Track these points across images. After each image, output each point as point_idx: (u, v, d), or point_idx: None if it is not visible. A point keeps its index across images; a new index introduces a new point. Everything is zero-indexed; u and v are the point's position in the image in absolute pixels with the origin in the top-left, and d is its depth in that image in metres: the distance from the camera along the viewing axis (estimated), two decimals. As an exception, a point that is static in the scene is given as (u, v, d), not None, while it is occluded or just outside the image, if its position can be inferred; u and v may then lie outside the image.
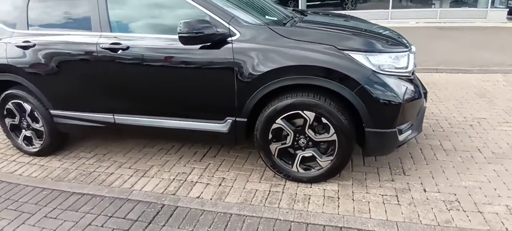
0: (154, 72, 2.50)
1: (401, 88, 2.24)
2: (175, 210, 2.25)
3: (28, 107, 3.00)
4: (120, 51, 2.50)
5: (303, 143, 2.41)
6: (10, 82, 3.02)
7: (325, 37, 2.31)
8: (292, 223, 2.07)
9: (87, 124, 2.85)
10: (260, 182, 2.56)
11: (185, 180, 2.63)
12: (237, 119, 2.45)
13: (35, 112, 2.99)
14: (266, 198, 2.36)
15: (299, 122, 2.37)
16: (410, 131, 2.43)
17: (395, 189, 2.40)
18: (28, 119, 3.07)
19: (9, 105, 3.07)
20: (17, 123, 3.15)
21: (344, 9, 12.44)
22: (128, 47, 2.48)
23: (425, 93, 2.67)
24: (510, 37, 8.01)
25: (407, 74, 2.36)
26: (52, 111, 2.93)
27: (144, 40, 2.50)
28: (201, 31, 2.20)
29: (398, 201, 2.27)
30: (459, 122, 3.43)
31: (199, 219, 2.15)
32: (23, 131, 3.17)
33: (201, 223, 2.12)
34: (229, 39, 2.32)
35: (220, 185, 2.55)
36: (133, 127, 2.73)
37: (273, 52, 2.25)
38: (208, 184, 2.57)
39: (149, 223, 2.14)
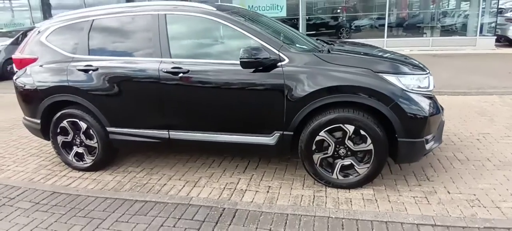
0: (210, 93, 2.86)
1: (426, 104, 2.65)
2: (235, 212, 2.53)
3: (83, 125, 3.28)
4: (180, 75, 2.86)
5: (342, 152, 2.76)
6: (67, 102, 3.32)
7: (361, 62, 2.74)
8: (343, 220, 2.38)
9: (142, 139, 3.15)
10: (303, 188, 2.88)
11: (235, 189, 2.92)
12: (285, 133, 2.80)
13: (91, 130, 3.27)
14: (313, 201, 2.67)
15: (338, 134, 2.74)
16: (433, 142, 2.82)
17: (423, 192, 2.75)
18: (82, 136, 3.34)
19: (64, 123, 3.34)
20: (69, 140, 3.41)
21: (339, 38, 13.21)
22: (188, 71, 2.85)
23: (442, 109, 3.09)
24: (499, 63, 8.75)
25: (429, 93, 2.78)
26: (109, 129, 3.21)
27: (202, 65, 2.87)
28: (258, 57, 2.60)
29: (428, 201, 2.62)
30: (466, 136, 3.86)
31: (260, 219, 2.44)
32: (75, 147, 3.43)
33: (262, 222, 2.41)
34: (279, 64, 2.71)
35: (267, 192, 2.85)
36: (186, 142, 3.04)
37: (318, 75, 2.64)
38: (257, 191, 2.87)
39: (217, 223, 2.42)
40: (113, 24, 3.19)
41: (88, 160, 3.41)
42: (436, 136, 2.88)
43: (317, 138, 2.74)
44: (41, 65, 3.32)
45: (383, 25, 11.87)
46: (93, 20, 3.21)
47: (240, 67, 2.74)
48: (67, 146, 3.47)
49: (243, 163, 3.40)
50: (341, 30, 13.63)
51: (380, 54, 3.23)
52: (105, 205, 2.76)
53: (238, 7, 3.06)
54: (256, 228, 2.34)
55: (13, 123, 5.39)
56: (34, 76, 3.32)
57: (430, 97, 2.78)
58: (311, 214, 2.46)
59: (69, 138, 3.40)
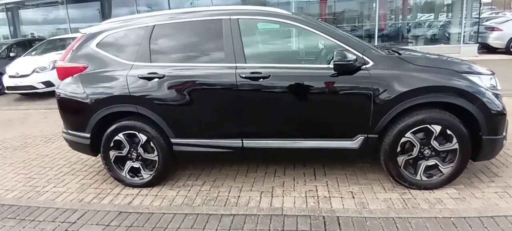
0: (291, 98, 2.78)
1: (502, 102, 2.76)
2: (338, 219, 2.45)
3: (143, 137, 3.04)
4: (261, 80, 2.75)
5: (427, 153, 2.78)
6: (122, 114, 3.08)
7: (442, 63, 2.81)
8: (451, 219, 2.39)
9: (211, 150, 2.97)
10: (386, 192, 2.86)
11: (318, 196, 2.83)
12: (369, 136, 2.78)
13: (151, 142, 3.04)
14: (406, 204, 2.65)
15: (423, 135, 2.75)
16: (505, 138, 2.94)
17: (500, 187, 2.84)
18: (140, 150, 3.09)
19: (119, 136, 3.07)
20: (124, 154, 3.14)
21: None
22: (269, 76, 2.75)
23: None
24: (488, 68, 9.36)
25: (499, 92, 2.91)
26: (173, 140, 3.00)
27: (283, 70, 2.79)
28: (350, 60, 2.57)
29: (510, 194, 2.71)
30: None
31: (368, 224, 2.38)
32: (129, 162, 3.16)
33: (371, 227, 2.34)
34: (364, 66, 2.71)
35: (353, 197, 2.80)
36: (262, 150, 2.92)
37: (407, 77, 2.66)
38: (342, 197, 2.80)
39: (326, 231, 2.32)
40: (177, 30, 3.02)
41: (146, 175, 3.15)
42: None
43: (402, 139, 2.74)
44: (94, 74, 3.07)
45: (372, 35, 12.37)
46: (154, 26, 3.02)
47: (323, 71, 2.72)
48: (120, 161, 3.20)
49: (308, 170, 3.32)
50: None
51: (443, 57, 3.33)
52: (190, 222, 2.55)
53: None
54: (369, 234, 2.28)
55: (23, 140, 4.92)
56: (85, 86, 3.05)
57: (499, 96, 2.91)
58: (417, 215, 2.44)
59: (124, 152, 3.13)
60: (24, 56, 9.12)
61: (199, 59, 2.97)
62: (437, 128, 2.69)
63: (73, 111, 3.18)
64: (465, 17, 11.53)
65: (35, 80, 8.08)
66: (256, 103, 2.83)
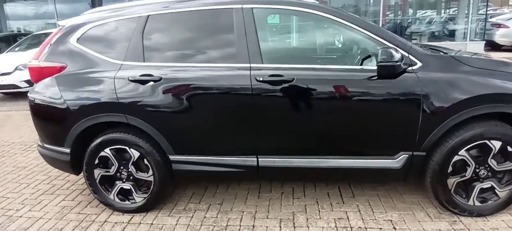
0: (321, 107, 2.25)
1: None
2: (383, 263, 1.95)
3: (135, 153, 2.49)
4: (283, 84, 2.22)
5: (483, 174, 2.29)
6: (109, 125, 2.53)
7: (499, 65, 2.29)
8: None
9: (219, 169, 2.43)
10: (433, 220, 2.35)
11: (351, 227, 2.31)
12: (414, 153, 2.27)
13: (145, 159, 2.50)
14: (462, 238, 2.16)
15: (477, 152, 2.25)
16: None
17: None
18: (132, 168, 2.55)
19: (106, 152, 2.52)
20: (112, 173, 2.59)
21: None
22: (293, 79, 2.22)
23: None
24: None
25: None
26: (173, 157, 2.46)
27: (311, 71, 2.26)
28: (397, 60, 2.05)
29: None
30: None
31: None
32: (118, 183, 2.62)
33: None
34: (410, 68, 2.19)
35: (394, 228, 2.29)
36: (281, 170, 2.38)
37: (462, 81, 2.15)
38: (380, 228, 2.29)
39: None
40: (177, 21, 2.46)
41: (139, 199, 2.61)
42: None
43: (455, 158, 2.24)
44: (73, 76, 2.51)
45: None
46: (148, 16, 2.45)
47: (360, 74, 2.20)
48: (107, 182, 2.65)
49: (332, 190, 2.79)
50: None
51: (491, 58, 2.84)
52: (194, 265, 2.03)
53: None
54: None
55: (0, 148, 4.32)
56: (63, 90, 2.48)
57: None
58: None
59: (112, 170, 2.57)
60: (7, 52, 8.44)
61: (204, 58, 2.42)
62: (497, 144, 2.18)
63: (49, 121, 2.61)
64: (472, 14, 11.11)
65: (18, 79, 7.39)
66: (276, 113, 2.29)
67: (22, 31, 14.39)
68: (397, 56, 2.05)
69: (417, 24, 12.96)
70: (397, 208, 2.53)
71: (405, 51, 2.19)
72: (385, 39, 2.20)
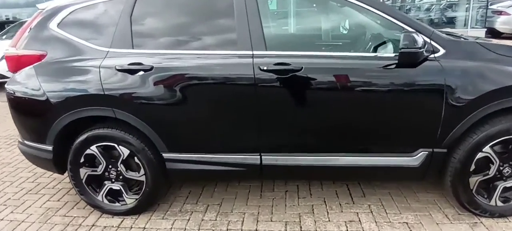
0: (331, 99, 2.01)
1: None
2: (403, 275, 1.75)
3: (124, 151, 2.25)
4: (290, 74, 1.98)
5: (507, 171, 2.09)
6: (96, 119, 2.28)
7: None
8: None
9: (218, 168, 2.20)
10: (452, 222, 2.15)
11: (363, 230, 2.13)
12: (435, 150, 2.05)
13: (136, 157, 2.26)
14: (487, 243, 1.97)
15: (498, 148, 2.05)
16: None
17: None
18: (121, 167, 2.31)
19: (92, 150, 2.28)
20: (100, 173, 2.36)
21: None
22: (301, 68, 1.98)
23: None
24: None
25: None
26: (166, 155, 2.23)
27: (321, 59, 2.01)
28: (420, 46, 1.82)
29: None
30: None
31: None
32: (107, 183, 2.38)
33: None
34: (432, 56, 1.96)
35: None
36: (287, 169, 2.16)
37: (490, 70, 1.92)
38: (395, 232, 2.11)
39: None
40: (169, 2, 2.19)
41: (130, 200, 2.38)
42: None
43: (479, 155, 2.03)
44: (54, 65, 2.24)
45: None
46: (137, -3, 2.20)
47: (377, 62, 1.96)
48: (95, 182, 2.41)
49: (340, 188, 2.58)
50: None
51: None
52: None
53: None
54: None
55: (-21, 144, 4.05)
56: (43, 82, 2.21)
57: None
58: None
59: (99, 170, 2.34)
60: (-7, 40, 8.08)
61: (200, 45, 2.16)
62: (524, 140, 1.99)
63: (28, 116, 2.35)
64: (473, 0, 10.85)
65: (5, 68, 7.01)
66: (282, 106, 2.04)
67: (11, 19, 13.86)
68: (420, 41, 1.81)
69: (415, 11, 12.68)
70: (412, 208, 2.33)
71: (427, 36, 1.96)
72: (405, 24, 1.95)
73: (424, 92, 1.96)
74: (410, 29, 1.94)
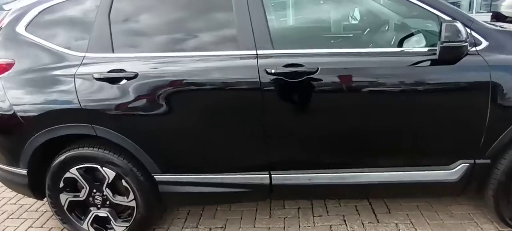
0: (354, 105, 1.68)
1: None
2: None
3: (109, 173, 1.92)
4: (303, 77, 1.65)
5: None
6: (74, 137, 1.95)
7: None
8: None
9: (220, 190, 1.87)
10: (494, 243, 1.86)
11: (392, 256, 1.82)
12: (477, 162, 1.73)
13: (124, 180, 1.94)
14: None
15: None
16: None
17: None
18: (107, 191, 1.99)
19: (72, 173, 1.95)
20: (83, 198, 2.03)
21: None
22: (316, 70, 1.65)
23: None
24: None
25: None
26: (158, 177, 1.90)
27: (340, 57, 1.68)
28: (463, 39, 1.48)
29: None
30: None
31: None
32: (93, 209, 2.06)
33: None
34: (473, 49, 1.63)
35: (449, 257, 1.79)
36: (301, 188, 1.83)
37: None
38: (431, 258, 1.80)
39: None
40: (155, -4, 1.86)
41: (119, 228, 2.04)
42: None
43: (525, 166, 1.72)
44: (22, 75, 1.90)
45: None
46: (117, -9, 1.86)
47: (403, 58, 1.64)
48: (78, 208, 2.08)
49: (361, 202, 2.27)
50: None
51: None
52: None
53: None
54: None
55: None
56: (11, 96, 1.87)
57: None
58: None
59: (82, 195, 2.01)
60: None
61: (194, 45, 1.82)
62: None
63: (-3, 136, 2.04)
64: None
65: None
66: (294, 116, 1.72)
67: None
68: (464, 33, 1.48)
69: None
70: (447, 226, 2.01)
71: (466, 26, 1.63)
72: (443, 12, 1.61)
73: (465, 93, 1.63)
74: (446, 18, 1.61)
